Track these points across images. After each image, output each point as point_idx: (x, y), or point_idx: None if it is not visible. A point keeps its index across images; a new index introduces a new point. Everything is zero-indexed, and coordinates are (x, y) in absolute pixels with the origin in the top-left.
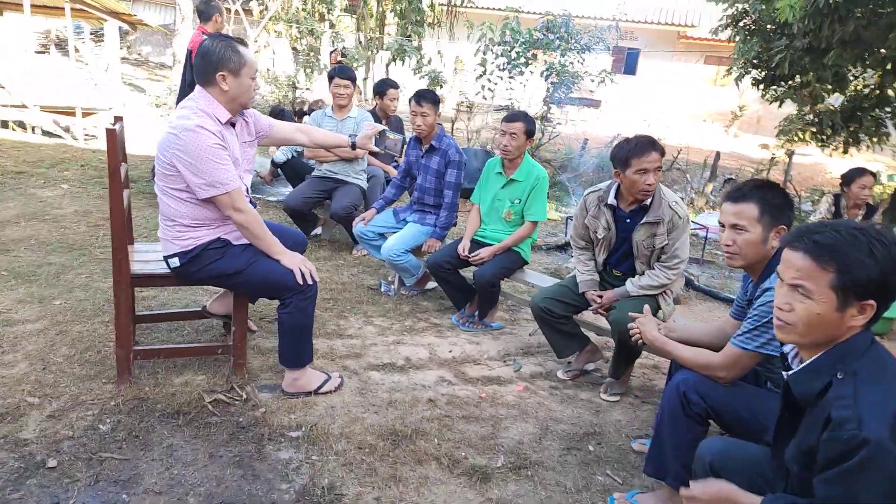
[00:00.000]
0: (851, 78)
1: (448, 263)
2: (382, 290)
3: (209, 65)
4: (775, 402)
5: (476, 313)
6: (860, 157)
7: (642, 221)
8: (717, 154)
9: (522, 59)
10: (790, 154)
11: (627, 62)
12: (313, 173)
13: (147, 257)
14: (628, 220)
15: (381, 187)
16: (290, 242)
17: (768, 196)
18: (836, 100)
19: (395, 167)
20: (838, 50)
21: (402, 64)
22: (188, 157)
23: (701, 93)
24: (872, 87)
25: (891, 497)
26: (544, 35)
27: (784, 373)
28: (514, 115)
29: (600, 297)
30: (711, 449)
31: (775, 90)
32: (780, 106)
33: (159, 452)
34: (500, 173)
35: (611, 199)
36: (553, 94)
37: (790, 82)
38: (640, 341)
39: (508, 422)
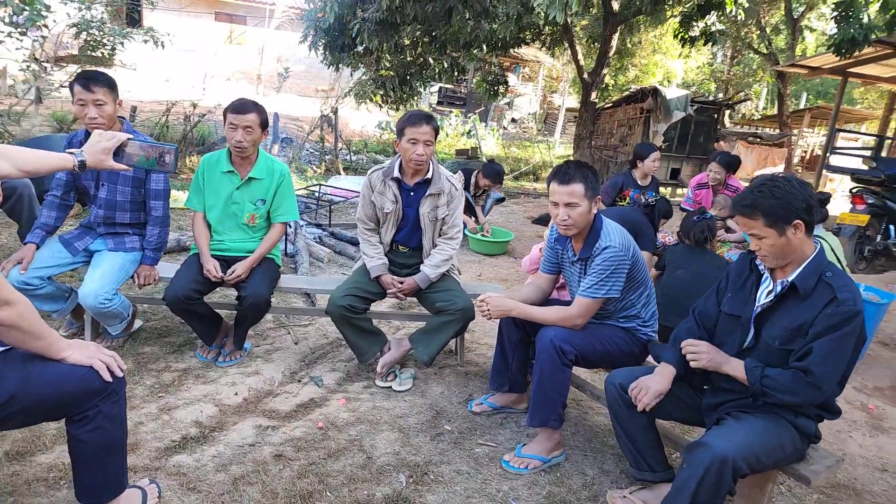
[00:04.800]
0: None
1: (196, 292)
2: None
3: None
4: (608, 330)
5: (225, 340)
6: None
7: (427, 194)
8: (276, 115)
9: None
10: (335, 111)
11: (128, 13)
12: None
13: None
14: (412, 193)
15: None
16: None
17: (587, 174)
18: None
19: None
20: (413, 26)
21: None
22: None
23: (222, 51)
24: (416, 56)
25: (856, 348)
26: None
27: (782, 280)
28: (243, 106)
29: (401, 282)
30: (618, 376)
31: (340, 56)
32: (337, 70)
33: None
34: (232, 172)
35: (395, 173)
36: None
37: (356, 50)
38: (490, 316)
39: (368, 438)
